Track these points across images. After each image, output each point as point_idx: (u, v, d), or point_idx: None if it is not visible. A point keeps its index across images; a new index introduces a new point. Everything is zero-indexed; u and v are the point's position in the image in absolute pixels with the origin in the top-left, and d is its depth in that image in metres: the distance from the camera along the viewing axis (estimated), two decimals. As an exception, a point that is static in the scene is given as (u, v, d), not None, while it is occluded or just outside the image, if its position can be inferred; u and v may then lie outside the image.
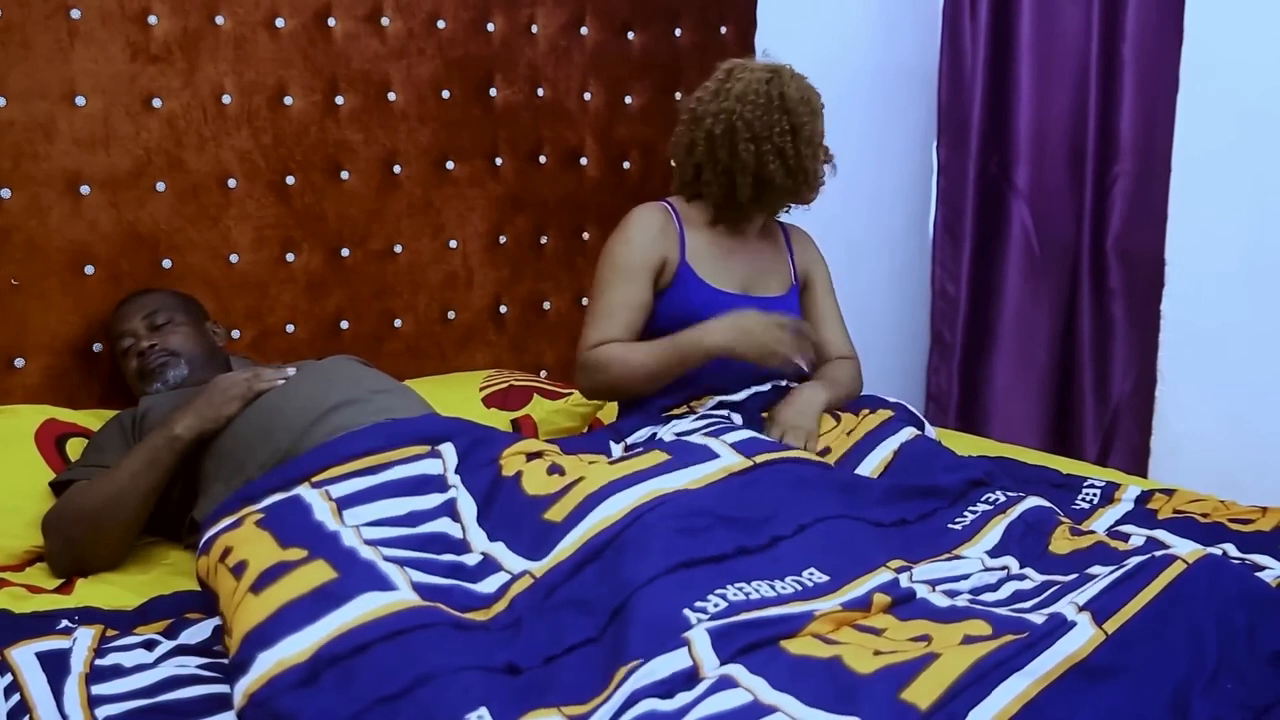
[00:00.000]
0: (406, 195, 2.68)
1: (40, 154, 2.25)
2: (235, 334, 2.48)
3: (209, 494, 1.87)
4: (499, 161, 2.79)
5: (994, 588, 1.59)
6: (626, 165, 2.96)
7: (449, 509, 1.63)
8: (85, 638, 1.53)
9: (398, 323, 2.70)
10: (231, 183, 2.46)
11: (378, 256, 2.66)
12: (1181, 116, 2.78)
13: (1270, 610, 1.37)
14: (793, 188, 2.21)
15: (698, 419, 2.07)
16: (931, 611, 1.45)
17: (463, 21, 2.70)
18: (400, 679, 1.24)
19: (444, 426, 1.81)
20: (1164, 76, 2.80)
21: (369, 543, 1.48)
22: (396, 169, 2.66)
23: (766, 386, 2.17)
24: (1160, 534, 1.80)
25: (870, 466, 1.97)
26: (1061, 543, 1.71)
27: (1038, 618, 1.36)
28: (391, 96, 2.63)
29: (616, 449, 2.03)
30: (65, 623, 1.60)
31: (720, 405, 2.13)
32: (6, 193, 2.23)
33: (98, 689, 1.41)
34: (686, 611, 1.35)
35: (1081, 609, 1.33)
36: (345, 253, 2.61)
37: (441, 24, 2.67)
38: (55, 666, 1.45)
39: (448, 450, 1.74)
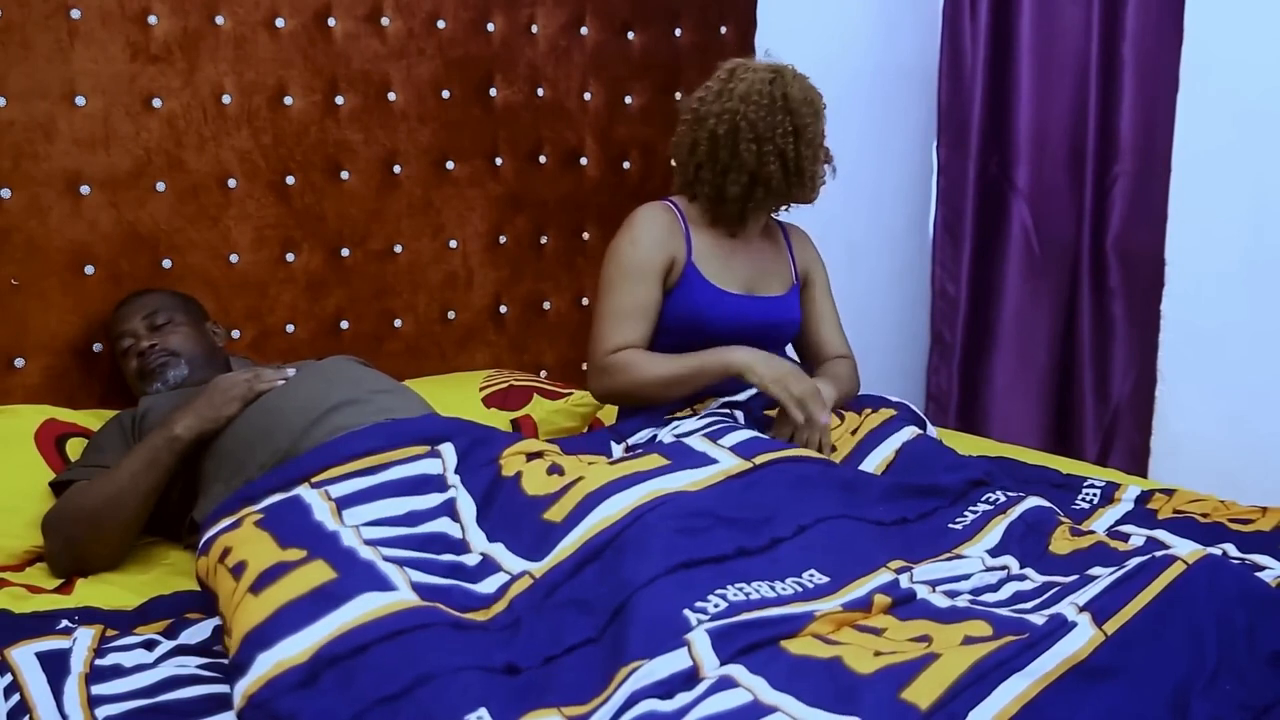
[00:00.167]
0: (406, 195, 2.68)
1: (40, 154, 2.25)
2: (235, 334, 2.48)
3: (209, 494, 1.87)
4: (499, 161, 2.79)
5: (994, 588, 1.59)
6: (626, 165, 2.96)
7: (448, 509, 1.63)
8: (85, 638, 1.53)
9: (398, 323, 2.70)
10: (231, 183, 2.46)
11: (378, 256, 2.66)
12: (1181, 116, 2.78)
13: (1270, 610, 1.37)
14: (786, 189, 2.21)
15: (700, 418, 2.07)
16: (932, 612, 1.45)
17: (463, 21, 2.70)
18: (400, 679, 1.24)
19: (444, 426, 1.81)
20: (1164, 76, 2.80)
21: (368, 543, 1.48)
22: (396, 169, 2.66)
23: None
24: (1160, 534, 1.80)
25: (872, 465, 1.97)
26: (1062, 543, 1.71)
27: (1038, 618, 1.36)
28: (391, 96, 2.63)
29: (617, 449, 2.03)
30: (65, 623, 1.60)
31: (723, 405, 2.13)
32: (6, 193, 2.23)
33: (98, 689, 1.41)
34: (686, 612, 1.35)
35: (1082, 609, 1.33)
36: (345, 253, 2.61)
37: (441, 24, 2.67)
38: (55, 666, 1.45)
39: (447, 450, 1.74)
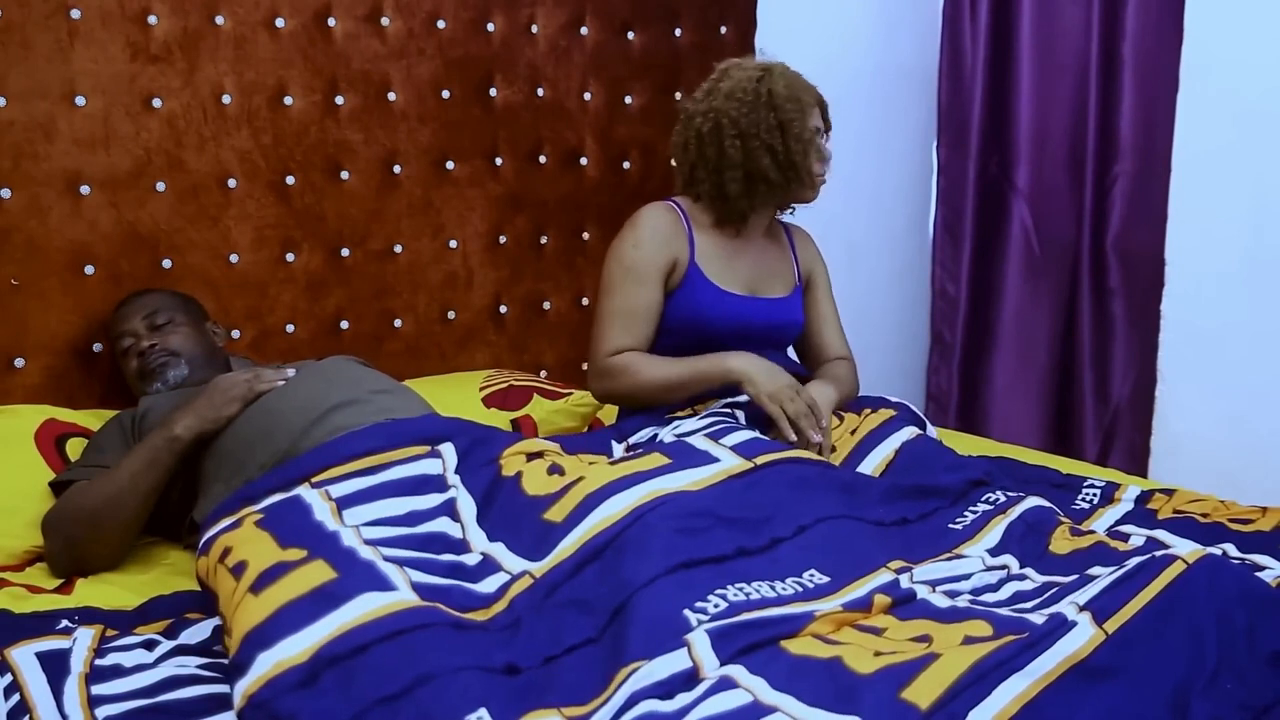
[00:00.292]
0: (406, 195, 2.68)
1: (40, 154, 2.25)
2: (235, 334, 2.48)
3: (209, 494, 1.87)
4: (499, 161, 2.79)
5: (995, 588, 1.59)
6: (626, 165, 2.96)
7: (449, 509, 1.63)
8: (85, 638, 1.53)
9: (398, 323, 2.70)
10: (231, 183, 2.46)
11: (378, 256, 2.66)
12: (1181, 116, 2.78)
13: (1270, 610, 1.37)
14: (784, 183, 2.21)
15: (701, 418, 2.07)
16: (932, 612, 1.45)
17: (463, 21, 2.70)
18: (400, 679, 1.24)
19: (444, 426, 1.81)
20: (1164, 76, 2.80)
21: (369, 543, 1.48)
22: (396, 169, 2.66)
23: None
24: (1160, 534, 1.80)
25: (872, 465, 1.97)
26: (1062, 543, 1.71)
27: (1038, 618, 1.36)
28: (391, 96, 2.63)
29: (618, 449, 2.03)
30: (65, 623, 1.60)
31: (725, 405, 2.13)
32: (6, 193, 2.23)
33: (98, 689, 1.41)
34: (686, 612, 1.35)
35: (1082, 609, 1.33)
36: (345, 253, 2.61)
37: (441, 24, 2.67)
38: (55, 666, 1.45)
39: (447, 450, 1.74)
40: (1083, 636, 1.28)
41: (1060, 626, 1.29)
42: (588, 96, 2.89)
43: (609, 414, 2.49)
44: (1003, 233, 3.11)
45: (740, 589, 1.42)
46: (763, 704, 1.21)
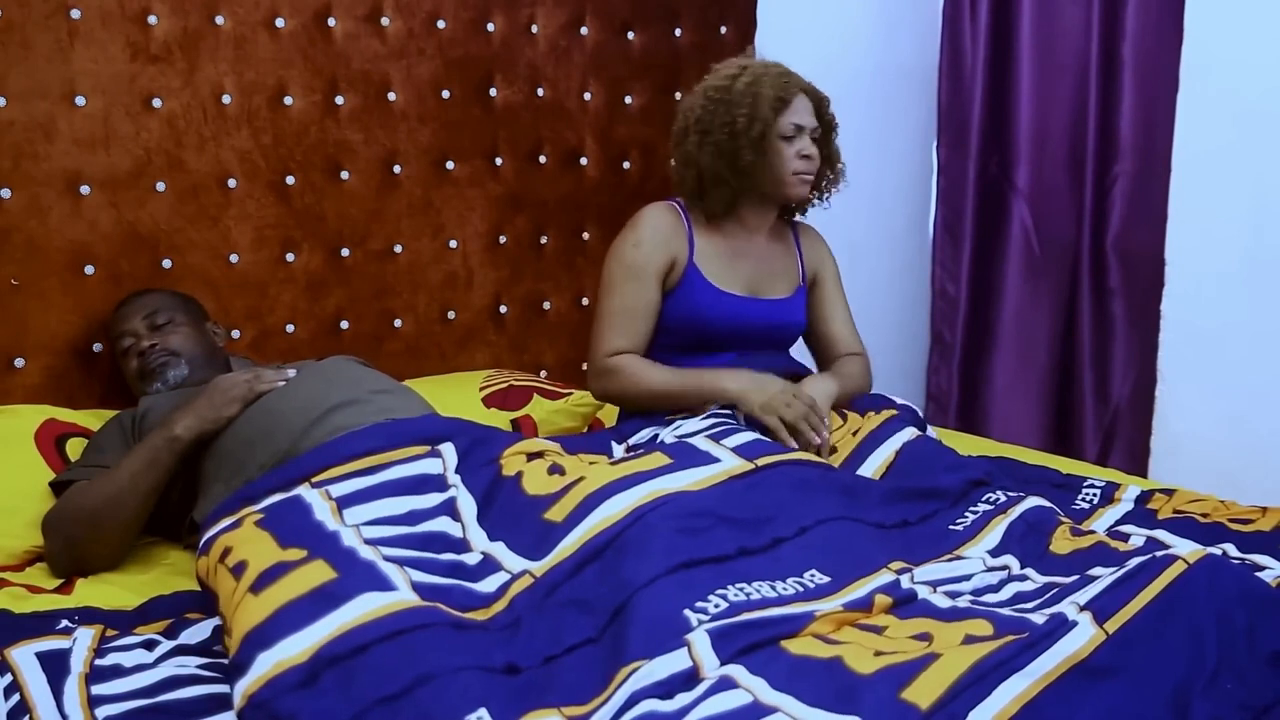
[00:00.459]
0: (406, 195, 2.68)
1: (40, 154, 2.25)
2: (235, 334, 2.48)
3: (209, 494, 1.87)
4: (499, 161, 2.79)
5: (996, 588, 1.59)
6: (626, 165, 2.96)
7: (449, 508, 1.63)
8: (85, 638, 1.53)
9: (398, 323, 2.70)
10: (231, 183, 2.46)
11: (378, 256, 2.66)
12: (1181, 116, 2.78)
13: (1270, 610, 1.37)
14: (736, 181, 2.19)
15: (703, 419, 2.07)
16: (933, 611, 1.45)
17: (463, 21, 2.70)
18: (400, 679, 1.24)
19: (444, 426, 1.81)
20: (1164, 76, 2.80)
21: (369, 542, 1.48)
22: (396, 169, 2.66)
23: None
24: (1160, 534, 1.80)
25: (873, 467, 1.97)
26: (1062, 543, 1.71)
27: (1039, 618, 1.36)
28: (391, 96, 2.63)
29: (618, 449, 2.04)
30: (65, 623, 1.60)
31: (726, 406, 2.13)
32: (6, 193, 2.23)
33: (98, 689, 1.41)
34: (687, 612, 1.35)
35: (1082, 609, 1.33)
36: (345, 253, 2.61)
37: (441, 24, 2.67)
38: (55, 666, 1.45)
39: (448, 450, 1.74)
40: (1083, 636, 1.28)
41: (1061, 626, 1.29)
42: (588, 96, 2.89)
43: (609, 414, 2.49)
44: (1003, 233, 3.11)
45: (741, 589, 1.42)
46: (763, 704, 1.21)
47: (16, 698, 1.39)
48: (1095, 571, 1.53)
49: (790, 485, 1.70)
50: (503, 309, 2.84)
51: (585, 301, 2.92)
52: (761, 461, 1.74)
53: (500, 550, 1.55)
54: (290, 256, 2.54)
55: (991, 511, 1.80)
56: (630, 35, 2.93)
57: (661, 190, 2.49)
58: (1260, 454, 2.70)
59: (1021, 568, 1.65)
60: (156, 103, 2.36)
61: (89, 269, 2.31)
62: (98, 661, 1.48)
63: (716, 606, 1.37)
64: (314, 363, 2.15)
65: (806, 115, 2.21)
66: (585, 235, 2.92)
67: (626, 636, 1.31)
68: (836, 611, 1.40)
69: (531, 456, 1.75)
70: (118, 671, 1.46)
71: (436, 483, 1.67)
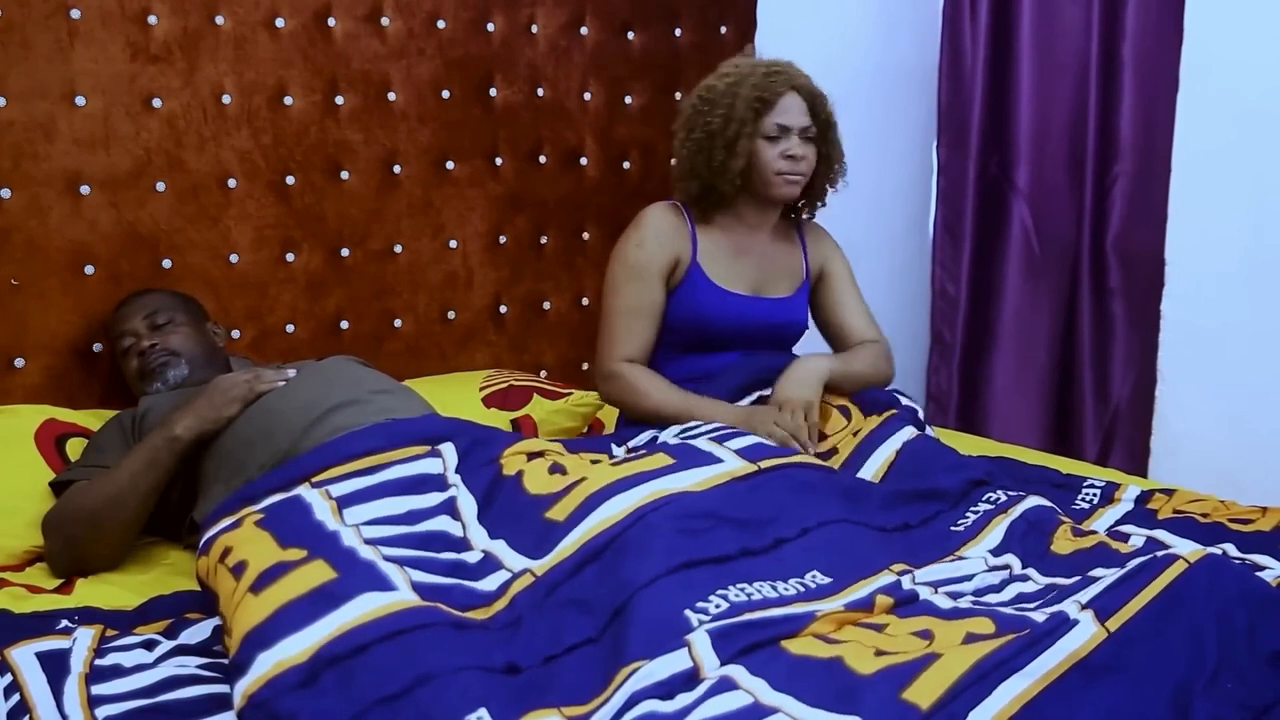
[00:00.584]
0: (406, 195, 2.68)
1: (40, 154, 2.25)
2: (235, 334, 2.48)
3: (209, 494, 1.87)
4: (499, 161, 2.79)
5: (998, 589, 1.59)
6: (626, 165, 2.96)
7: (449, 507, 1.63)
8: (85, 638, 1.53)
9: (398, 323, 2.70)
10: (231, 183, 2.46)
11: (378, 256, 2.66)
12: (1181, 116, 2.78)
13: (1270, 610, 1.37)
14: (713, 181, 2.19)
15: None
16: (935, 611, 1.45)
17: (463, 21, 2.70)
18: (400, 679, 1.24)
19: (444, 426, 1.81)
20: (1164, 76, 2.80)
21: (369, 542, 1.48)
22: (396, 169, 2.65)
23: (769, 391, 2.17)
24: (1160, 534, 1.80)
25: (874, 466, 1.97)
26: (1064, 543, 1.71)
27: (1040, 616, 1.36)
28: (391, 96, 2.63)
29: (619, 450, 2.03)
30: (65, 623, 1.60)
31: None
32: (6, 193, 2.23)
33: (97, 689, 1.41)
34: (687, 612, 1.35)
35: (1084, 607, 1.33)
36: (345, 253, 2.61)
37: (441, 24, 2.67)
38: (55, 666, 1.45)
39: (448, 450, 1.74)
40: (1085, 634, 1.28)
41: (1062, 624, 1.29)
42: (588, 96, 2.89)
43: (609, 414, 2.49)
44: (1003, 233, 3.10)
45: (742, 589, 1.42)
46: (763, 705, 1.21)
47: (16, 698, 1.39)
48: (1097, 573, 1.53)
49: (793, 488, 1.70)
50: (503, 309, 2.84)
51: (585, 302, 2.92)
52: (764, 464, 1.74)
53: (501, 548, 1.55)
54: (290, 256, 2.54)
55: (992, 511, 1.80)
56: (630, 35, 2.93)
57: (661, 190, 2.49)
58: (1260, 454, 2.70)
59: (1023, 567, 1.65)
60: (156, 103, 2.36)
61: (89, 269, 2.31)
62: (98, 661, 1.48)
63: (717, 607, 1.37)
64: (314, 363, 2.15)
65: (796, 115, 2.18)
66: (585, 235, 2.92)
67: (627, 636, 1.31)
68: (838, 611, 1.40)
69: (532, 456, 1.75)
70: (118, 671, 1.46)
71: (436, 482, 1.67)
